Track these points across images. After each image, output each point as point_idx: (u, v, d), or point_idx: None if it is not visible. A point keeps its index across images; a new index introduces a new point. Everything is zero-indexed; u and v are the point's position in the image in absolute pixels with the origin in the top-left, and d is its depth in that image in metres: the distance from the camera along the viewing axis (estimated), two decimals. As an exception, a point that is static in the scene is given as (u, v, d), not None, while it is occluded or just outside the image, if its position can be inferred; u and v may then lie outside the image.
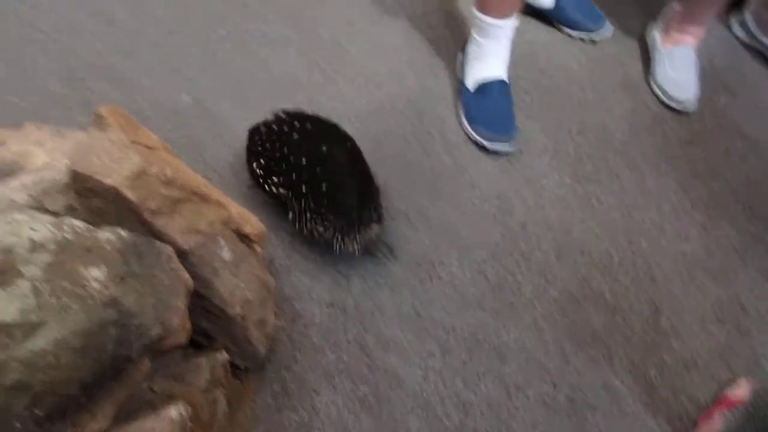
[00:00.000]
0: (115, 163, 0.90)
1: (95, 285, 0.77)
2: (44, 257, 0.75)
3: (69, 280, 0.75)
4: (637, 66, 1.77)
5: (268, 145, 1.26)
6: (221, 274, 1.03)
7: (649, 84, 1.72)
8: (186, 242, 0.95)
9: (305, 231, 1.26)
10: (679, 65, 1.68)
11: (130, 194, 0.88)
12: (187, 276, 0.91)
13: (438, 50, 1.71)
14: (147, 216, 0.91)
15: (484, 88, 1.56)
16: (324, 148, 1.23)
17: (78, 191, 0.93)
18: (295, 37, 1.68)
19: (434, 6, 1.81)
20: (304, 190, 1.21)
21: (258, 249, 1.15)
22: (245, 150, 1.34)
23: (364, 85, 1.61)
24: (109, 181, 0.88)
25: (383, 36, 1.72)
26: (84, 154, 0.91)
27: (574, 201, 1.49)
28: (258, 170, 1.29)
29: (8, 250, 0.73)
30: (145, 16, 1.68)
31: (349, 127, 1.50)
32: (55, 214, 0.97)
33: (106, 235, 0.84)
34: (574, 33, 1.79)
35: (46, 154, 1.09)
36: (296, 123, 1.27)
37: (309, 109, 1.50)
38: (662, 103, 1.69)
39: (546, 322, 1.32)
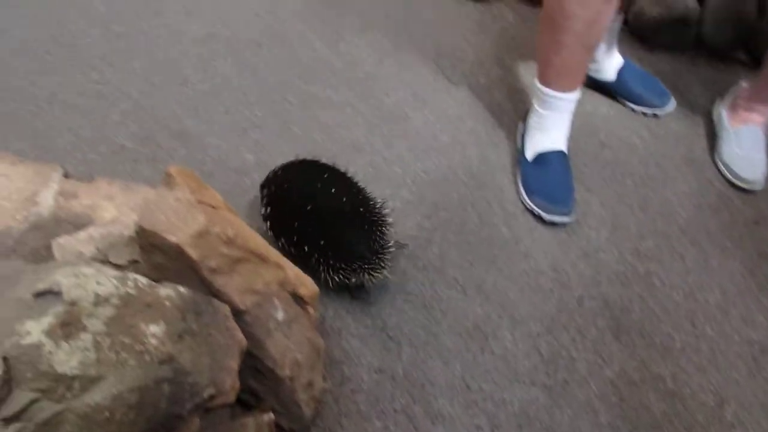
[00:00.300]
0: (180, 222, 0.93)
1: (153, 341, 0.79)
2: (107, 311, 0.78)
3: (129, 336, 0.77)
4: (702, 143, 1.75)
5: (277, 208, 1.31)
6: (274, 335, 1.04)
7: (714, 162, 1.69)
8: (242, 302, 0.96)
9: (337, 280, 1.27)
10: (746, 144, 1.65)
11: (192, 252, 0.91)
12: (241, 336, 0.92)
13: (499, 121, 1.72)
14: (206, 274, 0.93)
15: (544, 159, 1.56)
16: (326, 203, 1.28)
17: (142, 246, 0.96)
18: (360, 103, 1.73)
19: (497, 77, 1.84)
20: (322, 243, 1.25)
21: (311, 311, 1.16)
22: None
23: (424, 152, 1.64)
24: (173, 238, 0.91)
25: (446, 105, 1.75)
26: (151, 210, 0.94)
27: (634, 278, 1.46)
28: (287, 246, 1.31)
29: (74, 303, 0.76)
30: (216, 78, 1.76)
31: (406, 192, 1.53)
32: (118, 267, 1.00)
33: (167, 291, 0.86)
34: (636, 107, 1.79)
35: (115, 209, 1.14)
36: (298, 183, 1.32)
37: (368, 173, 1.55)
38: (728, 181, 1.65)
39: (601, 404, 1.28)
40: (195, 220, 0.93)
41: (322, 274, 1.27)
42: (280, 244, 1.31)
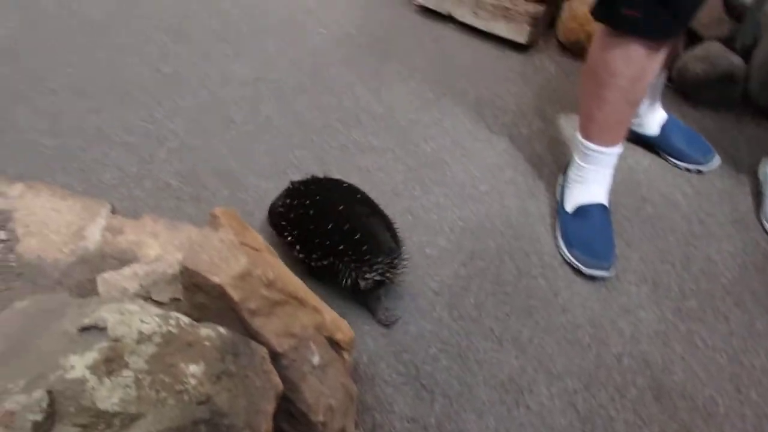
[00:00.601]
0: (223, 263, 0.94)
1: (192, 381, 0.79)
2: (149, 349, 0.79)
3: (169, 375, 0.78)
4: (747, 201, 1.72)
5: (296, 232, 1.37)
6: (309, 379, 1.04)
7: (760, 221, 1.67)
8: (280, 344, 0.97)
9: (361, 285, 1.32)
10: (793, 204, 1.63)
11: (233, 293, 0.92)
12: (278, 380, 0.92)
13: (539, 172, 1.73)
14: (246, 315, 0.94)
15: (584, 211, 1.55)
16: (341, 207, 1.33)
17: (185, 285, 0.98)
18: (400, 149, 1.75)
19: (538, 129, 1.85)
20: (342, 248, 1.30)
21: (346, 356, 1.16)
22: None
23: (462, 200, 1.65)
24: (216, 279, 0.92)
25: (486, 154, 1.77)
26: (196, 250, 0.96)
27: (676, 338, 1.43)
28: (301, 255, 1.37)
29: (118, 340, 0.77)
30: (260, 120, 1.80)
31: (443, 240, 1.53)
32: (160, 304, 1.02)
33: (207, 331, 0.88)
34: (679, 163, 1.78)
35: (160, 246, 1.17)
36: (306, 202, 1.36)
37: (406, 219, 1.56)
38: (774, 241, 1.63)
39: (639, 467, 1.24)
40: (237, 261, 0.95)
41: (347, 280, 1.33)
42: (297, 253, 1.37)
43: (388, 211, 1.49)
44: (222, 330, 0.90)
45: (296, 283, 1.06)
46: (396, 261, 1.34)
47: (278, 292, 0.99)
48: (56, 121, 1.73)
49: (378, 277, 1.32)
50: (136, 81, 1.89)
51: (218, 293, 0.94)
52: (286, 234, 1.40)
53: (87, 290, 1.11)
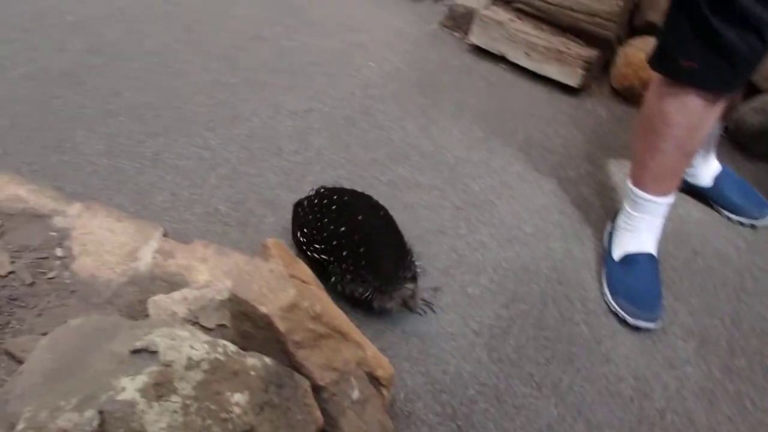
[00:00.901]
0: (272, 293, 0.96)
1: (236, 410, 0.81)
2: (197, 376, 0.81)
3: (215, 402, 0.80)
4: (803, 258, 1.69)
5: (310, 217, 1.43)
6: (348, 414, 1.04)
7: (815, 280, 1.63)
8: (322, 378, 0.98)
9: (346, 292, 1.38)
10: None
11: (280, 324, 0.94)
12: (318, 414, 0.93)
13: (586, 216, 1.72)
14: (291, 347, 0.96)
15: (631, 260, 1.54)
16: (360, 217, 1.39)
17: (233, 313, 1.00)
18: (447, 187, 1.77)
19: (587, 173, 1.85)
20: (344, 254, 1.35)
21: (385, 393, 1.16)
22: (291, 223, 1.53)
23: (507, 240, 1.65)
24: (264, 309, 0.94)
25: (533, 196, 1.77)
26: (246, 280, 0.98)
27: (723, 398, 1.39)
28: (301, 239, 1.45)
29: (168, 365, 0.79)
30: (310, 151, 1.84)
31: (486, 280, 1.53)
32: (206, 330, 1.04)
33: (253, 361, 0.89)
34: (733, 216, 1.75)
35: (208, 272, 1.19)
36: (335, 197, 1.42)
37: (450, 257, 1.57)
38: (830, 302, 1.58)
39: None
40: (286, 293, 0.97)
41: (338, 285, 1.39)
42: (311, 248, 1.43)
43: (432, 249, 1.50)
44: (267, 360, 0.91)
45: (341, 317, 1.07)
46: (384, 288, 1.37)
47: (323, 326, 1.00)
48: (113, 143, 1.79)
49: (365, 295, 1.38)
50: (192, 107, 1.95)
51: (265, 323, 0.96)
52: (297, 217, 1.49)
53: (136, 311, 1.14)
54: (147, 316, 1.09)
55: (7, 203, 1.29)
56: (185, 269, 1.21)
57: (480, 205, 1.73)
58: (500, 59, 2.21)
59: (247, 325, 0.99)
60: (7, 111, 1.84)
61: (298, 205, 1.52)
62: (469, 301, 1.50)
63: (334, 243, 1.37)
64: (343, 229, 1.38)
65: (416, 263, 1.42)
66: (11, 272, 1.17)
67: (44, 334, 1.05)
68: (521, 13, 2.16)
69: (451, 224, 1.68)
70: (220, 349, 0.87)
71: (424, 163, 1.84)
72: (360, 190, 1.71)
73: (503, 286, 1.54)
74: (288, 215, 1.62)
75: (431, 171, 1.82)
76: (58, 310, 1.14)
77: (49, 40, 2.13)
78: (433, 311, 1.46)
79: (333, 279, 1.40)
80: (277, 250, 1.05)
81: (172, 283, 1.18)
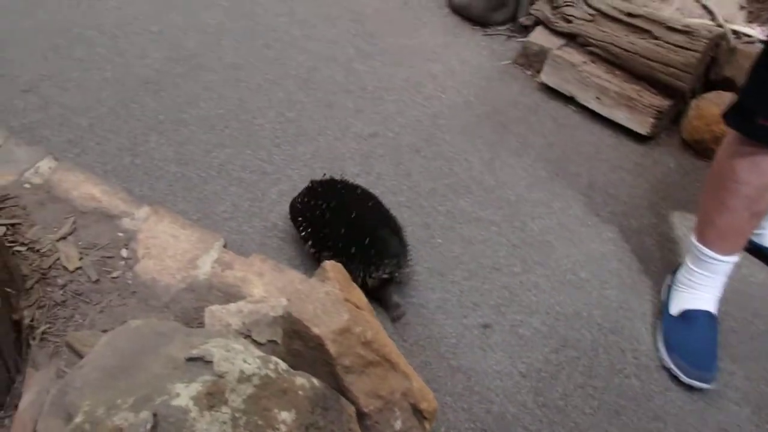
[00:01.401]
0: (326, 315, 0.98)
1: (283, 428, 0.82)
2: (248, 389, 0.83)
3: (262, 418, 0.81)
4: None
5: (310, 230, 1.51)
6: (388, 444, 1.05)
7: None
8: (367, 405, 0.99)
9: (371, 283, 1.44)
10: None
11: (331, 347, 0.95)
12: (360, 441, 0.94)
13: (646, 268, 1.69)
14: (339, 371, 0.97)
15: (689, 317, 1.50)
16: (353, 213, 1.48)
17: (285, 330, 1.02)
18: (505, 224, 1.76)
19: (649, 223, 1.82)
20: (353, 251, 1.42)
21: (427, 426, 1.16)
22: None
23: (561, 284, 1.63)
24: (316, 330, 0.96)
25: (591, 241, 1.75)
26: (302, 299, 1.00)
27: (776, 470, 1.34)
28: (311, 250, 1.52)
29: (222, 376, 0.82)
30: (372, 174, 1.86)
31: (537, 322, 1.52)
32: (258, 344, 1.07)
33: (302, 381, 0.91)
34: (800, 281, 1.69)
35: (263, 286, 1.22)
36: (323, 203, 1.50)
37: (502, 295, 1.56)
38: None
39: None
40: (340, 316, 0.98)
41: (358, 279, 1.40)
42: (309, 248, 1.52)
43: (486, 285, 1.51)
44: (315, 381, 0.93)
45: (390, 346, 1.08)
46: (401, 261, 1.47)
47: (373, 353, 1.01)
48: (183, 150, 1.86)
49: (385, 275, 1.44)
50: (261, 122, 2.00)
51: (316, 344, 0.97)
52: (301, 229, 1.54)
53: (191, 318, 1.17)
54: (201, 324, 1.12)
55: (82, 201, 1.35)
56: (242, 282, 1.24)
57: (537, 246, 1.72)
58: (570, 100, 2.20)
59: (297, 344, 1.00)
60: (88, 112, 1.94)
61: (293, 202, 1.61)
62: (519, 342, 1.49)
63: (340, 245, 1.45)
64: (343, 231, 1.46)
65: (404, 239, 1.53)
66: (79, 268, 1.23)
67: (104, 330, 1.09)
68: (595, 56, 2.15)
69: (506, 262, 1.67)
70: (271, 366, 0.89)
71: (485, 197, 1.84)
72: (418, 219, 1.73)
73: (554, 330, 1.52)
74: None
75: (491, 206, 1.82)
76: (119, 309, 1.18)
77: (133, 48, 2.23)
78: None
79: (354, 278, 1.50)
80: (334, 272, 1.06)
81: (229, 295, 1.21)
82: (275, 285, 1.24)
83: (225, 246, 1.35)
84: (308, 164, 1.88)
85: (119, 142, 1.85)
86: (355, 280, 1.42)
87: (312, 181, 1.59)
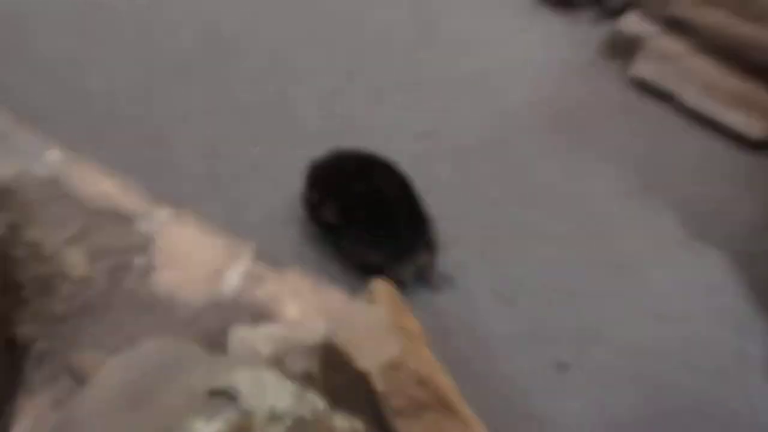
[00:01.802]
0: (374, 345, 0.94)
1: (318, 481, 0.78)
2: (279, 431, 0.79)
3: (295, 467, 0.77)
4: None
5: (326, 175, 1.58)
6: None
7: None
8: (419, 457, 0.94)
9: (357, 257, 1.52)
10: None
11: (379, 384, 0.91)
12: (411, 500, 0.89)
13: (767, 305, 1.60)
14: (387, 413, 0.93)
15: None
16: (378, 180, 1.54)
17: (324, 361, 0.99)
18: (585, 243, 1.71)
19: None
20: (358, 217, 1.50)
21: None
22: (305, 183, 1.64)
23: (655, 318, 1.56)
24: (362, 363, 0.92)
25: (695, 268, 1.68)
26: (345, 324, 0.97)
27: None
28: (312, 199, 1.59)
29: (249, 414, 0.78)
30: (429, 178, 1.81)
31: (622, 360, 1.46)
32: (292, 376, 1.03)
33: (343, 423, 0.86)
34: None
35: (299, 307, 1.19)
36: (354, 158, 1.59)
37: (582, 325, 1.50)
38: None
39: None
40: (390, 348, 0.94)
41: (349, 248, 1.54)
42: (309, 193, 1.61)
43: (561, 315, 1.46)
44: (358, 426, 0.88)
45: (449, 386, 1.03)
46: (404, 258, 1.49)
47: (429, 394, 0.97)
48: (213, 144, 1.85)
49: (380, 263, 1.47)
50: (302, 116, 1.98)
51: (361, 379, 0.93)
52: (312, 175, 1.60)
53: (214, 340, 1.14)
54: (226, 348, 1.09)
55: (93, 199, 1.34)
56: (274, 300, 1.21)
57: (626, 270, 1.65)
58: (668, 98, 2.12)
59: (338, 378, 0.97)
60: (108, 97, 1.95)
61: (314, 164, 1.63)
62: (603, 387, 1.43)
63: (349, 204, 1.52)
64: (360, 190, 1.52)
65: (434, 232, 1.55)
66: (86, 277, 1.22)
67: (113, 352, 1.07)
68: (702, 45, 2.07)
69: (586, 287, 1.61)
70: (307, 404, 0.85)
71: (560, 210, 1.78)
72: (480, 233, 1.68)
73: (646, 374, 1.46)
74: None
75: (568, 221, 1.76)
76: (131, 327, 1.16)
77: (162, 26, 2.24)
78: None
79: (343, 243, 1.54)
80: (385, 294, 1.03)
81: (258, 315, 1.18)
82: (313, 306, 1.20)
83: (256, 257, 1.32)
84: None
85: (140, 133, 1.85)
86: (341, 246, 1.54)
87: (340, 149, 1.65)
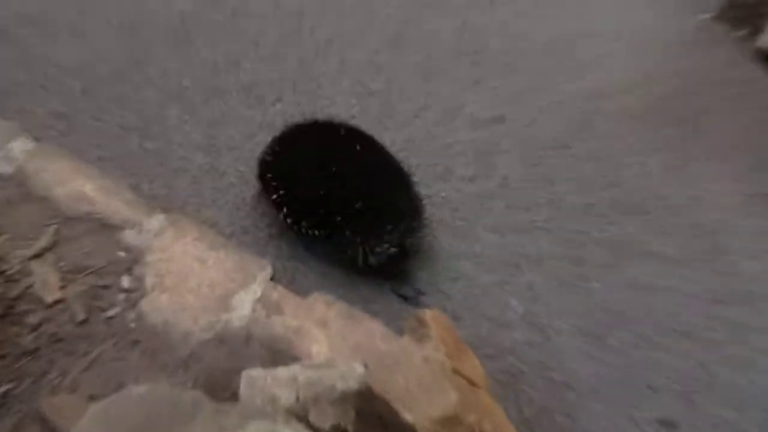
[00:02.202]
0: (423, 393, 0.95)
1: None
2: (303, 504, 0.80)
3: None
4: None
5: (282, 192, 1.55)
6: None
7: None
8: None
9: (374, 261, 1.49)
10: None
11: (430, 444, 0.92)
12: None
13: None
14: (440, 481, 0.93)
15: None
16: (340, 161, 1.53)
17: (360, 411, 0.99)
18: (701, 265, 1.70)
19: None
20: (339, 219, 1.48)
21: None
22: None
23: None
24: (409, 416, 0.92)
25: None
26: (386, 365, 0.97)
27: None
28: (287, 220, 1.55)
29: (265, 480, 0.79)
30: (492, 177, 1.82)
31: (750, 422, 1.44)
32: (319, 431, 1.04)
33: (384, 494, 0.87)
34: None
35: (328, 342, 1.20)
36: (299, 153, 1.58)
37: (697, 374, 1.50)
38: None
39: None
40: (444, 396, 0.95)
41: (358, 258, 1.49)
42: (301, 229, 1.55)
43: (669, 358, 1.46)
44: (404, 498, 0.89)
45: (520, 448, 1.04)
46: (415, 223, 1.50)
47: (493, 457, 0.97)
48: (216, 133, 1.87)
49: (392, 249, 1.47)
50: (329, 94, 2.00)
51: (407, 436, 0.94)
52: (273, 192, 1.57)
53: (220, 384, 1.16)
54: (235, 395, 1.10)
55: (68, 202, 1.37)
56: (297, 334, 1.22)
57: (752, 301, 1.63)
58: (806, 75, 2.10)
59: (378, 434, 0.97)
60: (84, 72, 1.98)
61: (265, 166, 1.63)
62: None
63: (322, 212, 1.50)
64: (325, 190, 1.50)
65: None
66: (59, 301, 1.24)
67: (92, 396, 1.09)
68: None
69: (700, 323, 1.60)
70: (338, 470, 0.86)
71: (668, 221, 1.77)
72: (562, 249, 1.68)
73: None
74: (451, 271, 1.61)
75: (678, 235, 1.75)
76: (114, 365, 1.18)
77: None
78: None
79: (351, 252, 1.52)
80: (437, 328, 1.03)
81: (276, 352, 1.19)
82: (346, 341, 1.20)
83: (273, 278, 1.33)
84: (399, 157, 1.85)
85: (125, 117, 1.88)
86: (352, 261, 1.51)
87: (286, 126, 1.66)
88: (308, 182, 1.51)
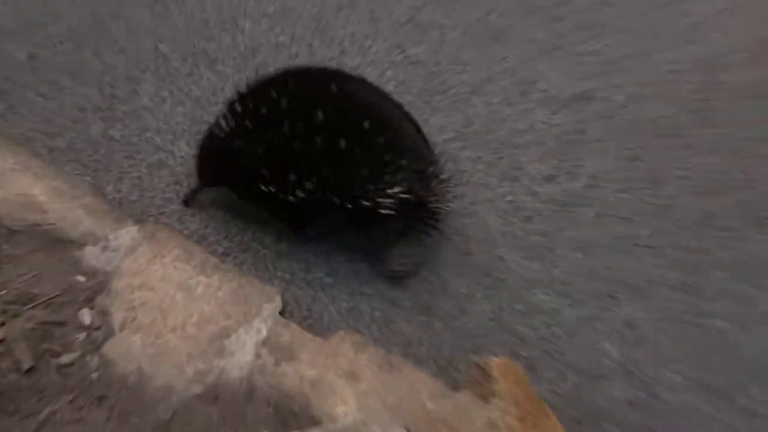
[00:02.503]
0: (488, 470, 0.94)
1: None
2: None
3: None
4: None
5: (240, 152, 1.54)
6: None
7: None
8: None
9: (386, 205, 1.46)
10: None
11: None
12: None
13: None
14: None
15: None
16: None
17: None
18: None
19: None
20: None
21: None
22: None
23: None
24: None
25: None
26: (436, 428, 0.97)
27: None
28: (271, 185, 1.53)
29: None
30: (579, 178, 1.82)
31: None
32: None
33: None
34: None
35: (358, 401, 1.19)
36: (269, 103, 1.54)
37: None
38: None
39: None
40: (517, 476, 0.95)
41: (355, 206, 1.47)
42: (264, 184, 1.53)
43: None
44: None
45: None
46: (431, 171, 1.50)
47: None
48: (202, 113, 1.87)
49: (404, 194, 1.44)
50: (358, 62, 2.00)
51: None
52: (230, 163, 1.57)
53: (212, 456, 1.16)
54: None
55: (10, 209, 1.37)
56: (315, 388, 1.22)
57: None
58: None
59: None
60: (33, 33, 1.99)
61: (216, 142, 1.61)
62: None
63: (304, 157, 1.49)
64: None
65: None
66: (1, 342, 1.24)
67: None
68: None
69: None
70: None
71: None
72: (679, 275, 1.67)
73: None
74: (516, 298, 1.61)
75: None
76: (71, 429, 1.18)
77: None
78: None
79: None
80: (507, 382, 1.03)
81: (285, 413, 1.19)
82: (385, 399, 1.20)
83: (282, 311, 1.33)
84: (451, 149, 1.86)
85: (82, 94, 1.90)
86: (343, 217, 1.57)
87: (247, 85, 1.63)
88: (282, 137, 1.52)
